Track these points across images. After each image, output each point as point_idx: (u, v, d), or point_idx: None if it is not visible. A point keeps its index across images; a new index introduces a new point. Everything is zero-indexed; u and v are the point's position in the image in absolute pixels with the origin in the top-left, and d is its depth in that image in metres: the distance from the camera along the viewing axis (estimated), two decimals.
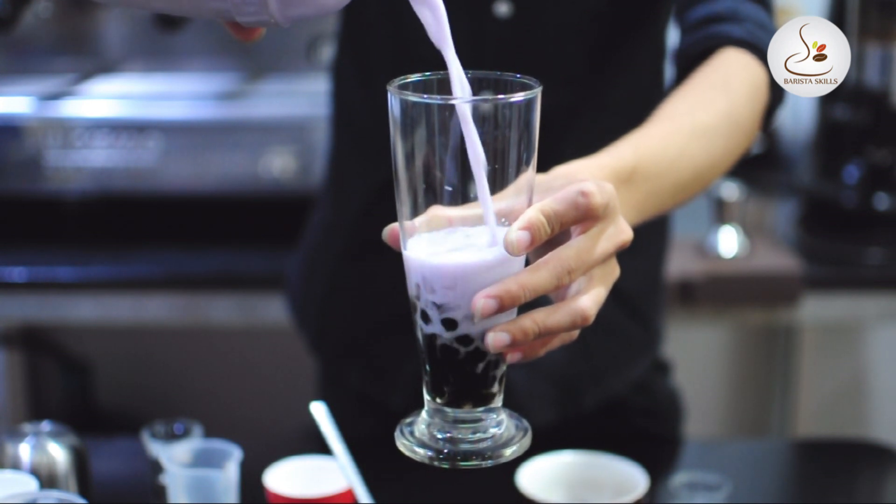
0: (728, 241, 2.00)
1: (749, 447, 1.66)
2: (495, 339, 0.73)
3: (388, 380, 1.34)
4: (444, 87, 0.76)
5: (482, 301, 0.72)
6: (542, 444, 1.14)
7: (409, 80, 0.76)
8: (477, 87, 0.76)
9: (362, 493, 1.06)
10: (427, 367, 0.77)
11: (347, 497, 1.09)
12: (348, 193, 1.35)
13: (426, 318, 0.75)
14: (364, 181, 1.32)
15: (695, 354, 2.40)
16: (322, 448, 1.09)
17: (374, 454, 1.07)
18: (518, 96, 0.73)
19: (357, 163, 1.35)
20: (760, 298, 1.96)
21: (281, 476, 1.12)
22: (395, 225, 0.77)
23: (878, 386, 2.48)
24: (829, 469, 1.40)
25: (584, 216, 0.75)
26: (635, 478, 1.10)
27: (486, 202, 0.74)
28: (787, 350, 2.41)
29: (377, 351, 1.34)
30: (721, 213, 2.01)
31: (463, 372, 0.76)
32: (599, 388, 1.34)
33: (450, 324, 0.75)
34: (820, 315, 2.01)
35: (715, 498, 1.16)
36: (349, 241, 1.35)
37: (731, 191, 2.01)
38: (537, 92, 0.74)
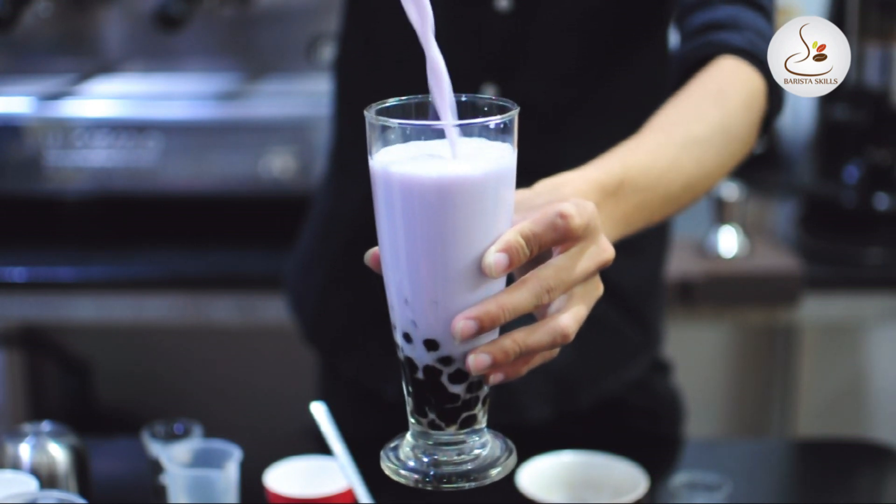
0: (728, 241, 2.00)
1: (749, 447, 1.66)
2: (476, 361, 0.73)
3: (383, 369, 1.34)
4: (423, 111, 0.76)
5: (462, 323, 0.72)
6: (541, 443, 1.14)
7: (387, 104, 0.76)
8: (461, 110, 0.76)
9: (362, 493, 1.06)
10: (409, 389, 0.77)
11: (347, 497, 1.09)
12: (351, 182, 1.35)
13: (408, 338, 0.76)
14: (367, 169, 1.32)
15: (695, 354, 2.39)
16: (322, 448, 1.09)
17: (374, 454, 1.07)
18: (495, 119, 0.73)
19: (361, 151, 1.35)
20: (760, 298, 1.96)
21: (281, 476, 1.12)
22: (376, 248, 0.78)
23: (878, 386, 2.48)
24: (829, 469, 1.40)
25: (563, 238, 0.75)
26: (635, 478, 1.10)
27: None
28: (787, 350, 2.41)
29: (374, 340, 1.34)
30: (721, 213, 2.01)
31: (445, 394, 0.76)
32: (596, 387, 1.34)
33: (431, 345, 0.75)
34: (820, 315, 2.01)
35: (715, 498, 1.16)
36: (351, 230, 1.35)
37: (731, 191, 2.01)
38: (514, 114, 0.74)
